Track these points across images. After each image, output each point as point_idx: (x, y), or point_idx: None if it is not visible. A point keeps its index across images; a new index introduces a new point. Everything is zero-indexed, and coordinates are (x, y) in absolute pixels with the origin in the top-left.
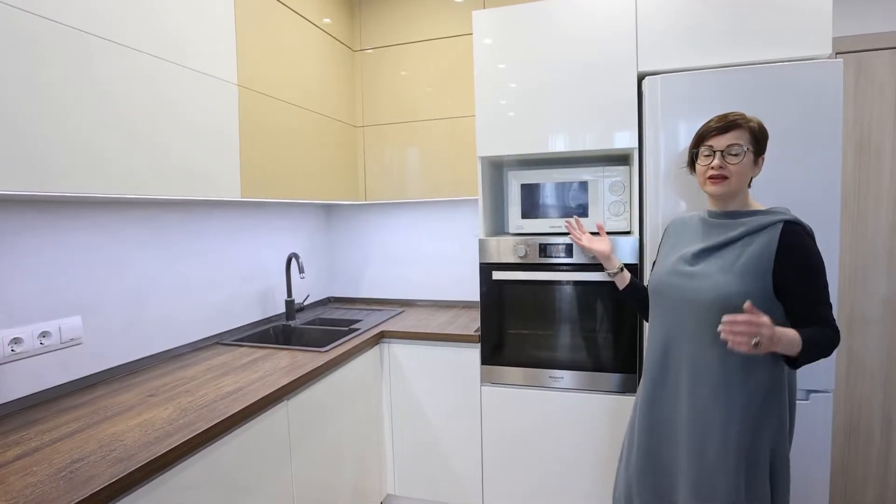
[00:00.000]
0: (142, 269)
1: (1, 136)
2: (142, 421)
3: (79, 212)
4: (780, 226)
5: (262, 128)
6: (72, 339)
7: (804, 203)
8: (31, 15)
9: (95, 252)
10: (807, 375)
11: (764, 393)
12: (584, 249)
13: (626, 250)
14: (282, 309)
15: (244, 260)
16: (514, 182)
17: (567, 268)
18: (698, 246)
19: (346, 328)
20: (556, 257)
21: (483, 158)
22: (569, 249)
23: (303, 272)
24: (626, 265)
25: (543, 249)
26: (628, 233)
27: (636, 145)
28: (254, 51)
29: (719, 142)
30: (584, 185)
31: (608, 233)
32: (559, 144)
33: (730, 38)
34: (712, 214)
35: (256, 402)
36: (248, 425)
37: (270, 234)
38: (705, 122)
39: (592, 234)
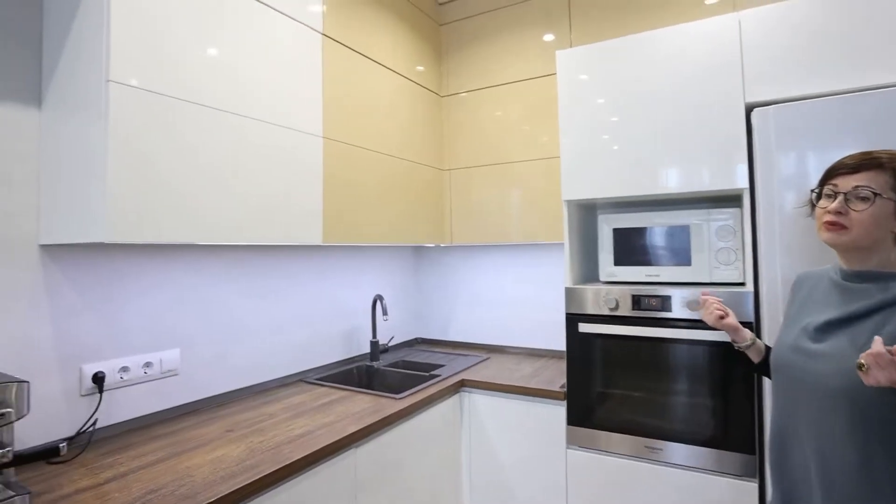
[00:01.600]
0: (234, 308)
1: (151, 196)
2: (215, 457)
3: (181, 255)
4: None
5: (345, 176)
6: (170, 370)
7: None
8: (168, 98)
9: (193, 291)
10: None
11: None
12: (717, 326)
13: (740, 305)
14: (366, 349)
15: (331, 299)
16: (606, 226)
17: (665, 323)
18: (825, 316)
19: (427, 373)
20: (651, 310)
21: (570, 202)
22: (666, 302)
23: (386, 314)
24: (742, 324)
25: (637, 301)
26: (741, 284)
27: (747, 185)
28: (339, 104)
29: (845, 182)
30: (685, 230)
31: (715, 283)
32: (656, 186)
33: (848, 60)
34: (844, 275)
35: (321, 448)
36: (312, 471)
37: (358, 275)
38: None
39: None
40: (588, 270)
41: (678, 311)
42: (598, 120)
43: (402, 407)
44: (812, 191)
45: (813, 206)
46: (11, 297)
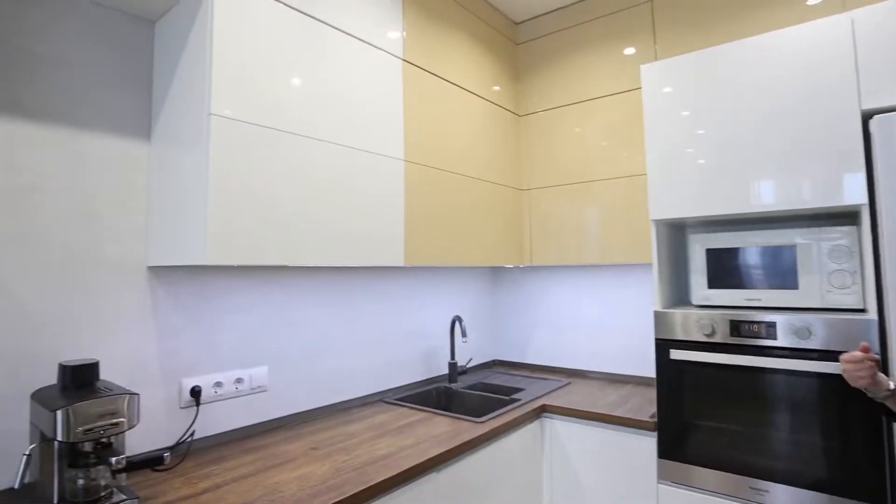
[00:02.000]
0: (319, 327)
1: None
2: (301, 474)
3: (272, 276)
4: None
5: (426, 198)
6: (259, 387)
7: None
8: (260, 127)
9: (282, 311)
10: None
11: None
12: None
13: (861, 334)
14: (445, 370)
15: (410, 320)
16: (698, 246)
17: (769, 352)
18: None
19: (507, 397)
20: (753, 337)
21: (658, 221)
22: (771, 329)
23: (465, 336)
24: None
25: (736, 327)
26: (860, 311)
27: (865, 200)
28: (418, 127)
29: None
30: (791, 250)
31: (828, 309)
32: (755, 203)
33: None
34: None
35: (404, 471)
36: (395, 493)
37: (437, 296)
38: None
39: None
40: (677, 293)
41: (784, 338)
42: (688, 134)
43: (482, 431)
44: None
45: None
46: (125, 315)
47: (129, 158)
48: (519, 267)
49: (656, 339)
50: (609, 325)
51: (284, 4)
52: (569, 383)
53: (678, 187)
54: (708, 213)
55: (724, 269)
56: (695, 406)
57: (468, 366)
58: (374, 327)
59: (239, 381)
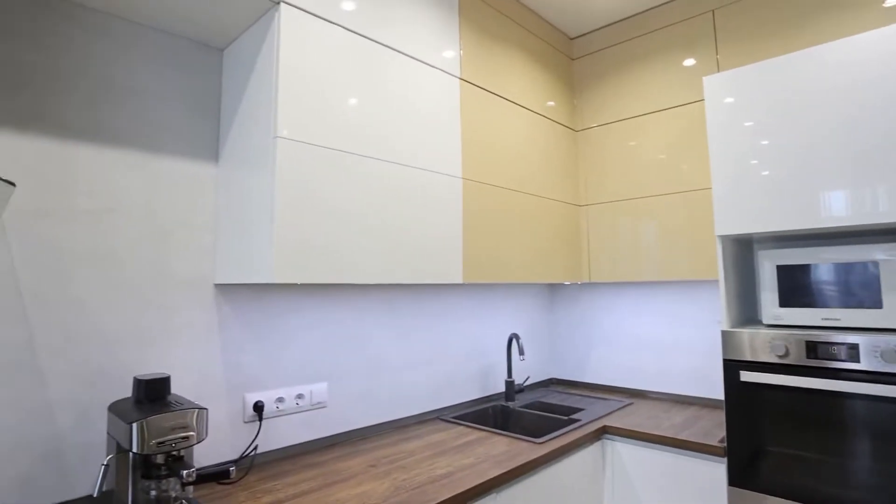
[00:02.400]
0: (378, 344)
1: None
2: (361, 492)
3: (332, 294)
4: None
5: (484, 215)
6: (319, 403)
7: None
8: (324, 149)
9: (342, 328)
10: None
11: None
12: None
13: None
14: (501, 388)
15: (467, 338)
16: (768, 263)
17: (851, 375)
18: None
19: (566, 417)
20: (832, 360)
21: (724, 237)
22: (853, 351)
23: (522, 354)
24: None
25: (813, 349)
26: None
27: None
28: (476, 144)
29: None
30: (873, 266)
31: None
32: (831, 216)
33: None
34: None
35: (464, 492)
36: None
37: (493, 313)
38: None
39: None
40: (744, 311)
41: (868, 361)
42: (755, 146)
43: (542, 453)
44: None
45: None
46: (192, 330)
47: (199, 180)
48: (576, 284)
49: (725, 360)
50: (671, 344)
51: (346, 29)
52: (630, 404)
53: (745, 201)
54: (778, 228)
55: (797, 287)
56: (767, 431)
57: (525, 384)
58: (430, 344)
59: (300, 396)
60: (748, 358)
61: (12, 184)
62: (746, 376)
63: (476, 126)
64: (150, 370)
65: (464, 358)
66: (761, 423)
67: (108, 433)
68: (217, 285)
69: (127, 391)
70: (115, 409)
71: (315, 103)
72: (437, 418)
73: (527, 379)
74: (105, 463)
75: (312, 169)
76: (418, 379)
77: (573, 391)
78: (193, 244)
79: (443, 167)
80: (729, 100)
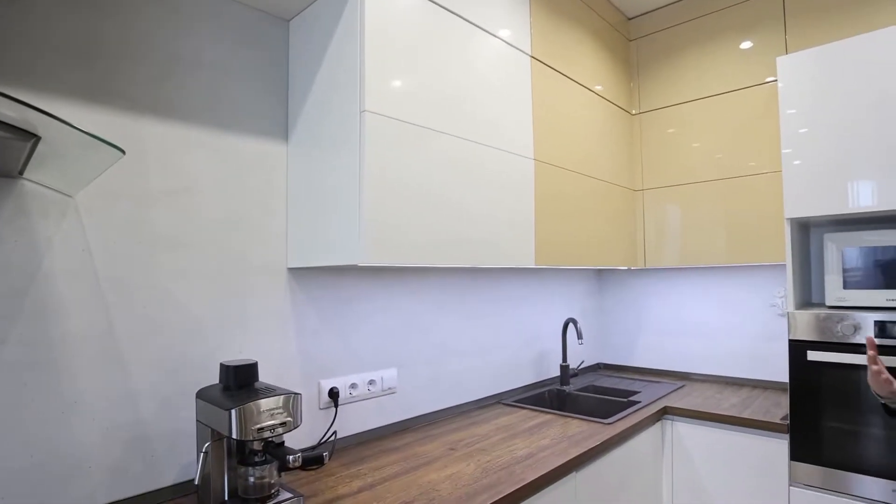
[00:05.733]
0: (444, 330)
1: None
2: (450, 473)
3: (401, 279)
4: None
5: (553, 197)
6: (389, 388)
7: None
8: (410, 125)
9: (410, 313)
10: None
11: None
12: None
13: None
14: (554, 373)
15: (524, 323)
16: (832, 246)
17: None
18: None
19: (625, 399)
20: None
21: (791, 220)
22: None
23: (581, 338)
24: None
25: (882, 328)
26: None
27: None
28: (546, 125)
29: None
30: None
31: None
32: None
33: None
34: None
35: (551, 471)
36: (542, 493)
37: (548, 299)
38: None
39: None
40: (803, 294)
41: None
42: (828, 129)
43: (614, 433)
44: None
45: None
46: (269, 316)
47: (269, 159)
48: (626, 269)
49: (791, 341)
50: (719, 328)
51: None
52: (682, 386)
53: (813, 186)
54: (851, 210)
55: (862, 269)
56: (830, 408)
57: (579, 369)
58: (490, 330)
59: (371, 382)
60: (815, 338)
61: (122, 151)
62: (814, 356)
63: (546, 106)
64: (230, 357)
65: (521, 342)
66: (826, 401)
67: (198, 420)
68: (290, 269)
69: (207, 378)
70: (206, 395)
71: (400, 77)
72: (499, 402)
73: (581, 363)
74: (205, 450)
75: (397, 145)
76: (480, 364)
77: (623, 375)
78: (267, 227)
79: (516, 147)
80: (805, 81)
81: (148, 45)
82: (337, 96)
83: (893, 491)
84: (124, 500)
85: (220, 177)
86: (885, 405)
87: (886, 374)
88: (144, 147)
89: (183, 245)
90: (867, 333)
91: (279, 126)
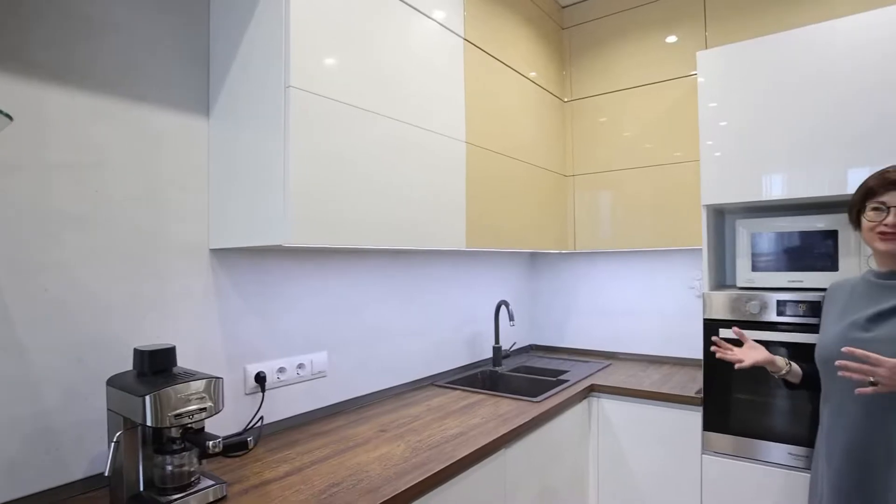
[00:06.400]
0: (375, 312)
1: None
2: (380, 455)
3: (330, 260)
4: None
5: (484, 180)
6: (319, 372)
7: None
8: (335, 102)
9: (340, 296)
10: None
11: None
12: (745, 368)
13: None
14: (487, 354)
15: (458, 305)
16: (743, 231)
17: (812, 330)
18: (871, 310)
19: (554, 378)
20: (797, 316)
21: (707, 207)
22: (815, 307)
23: (513, 320)
24: None
25: (782, 307)
26: None
27: None
28: (478, 108)
29: (893, 198)
30: (832, 235)
31: None
32: (808, 189)
33: None
34: (880, 275)
35: (480, 448)
36: (471, 470)
37: (481, 282)
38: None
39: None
40: (717, 277)
41: None
42: (744, 122)
43: (542, 410)
44: (857, 205)
45: (856, 220)
46: (189, 298)
47: (188, 134)
48: (557, 253)
49: (705, 320)
50: (643, 309)
51: None
52: (609, 365)
53: (726, 175)
54: (762, 198)
55: (768, 253)
56: (739, 381)
57: (511, 350)
58: (424, 312)
59: (301, 366)
60: (726, 317)
61: (9, 117)
62: (726, 333)
63: (479, 90)
64: (144, 342)
65: (455, 325)
66: (735, 375)
67: (108, 409)
68: (213, 250)
69: (121, 366)
70: (117, 382)
71: (326, 53)
72: (432, 384)
73: (513, 345)
74: (116, 440)
75: (325, 125)
76: (413, 346)
77: (553, 356)
78: (185, 205)
79: (448, 130)
80: (723, 76)
81: (51, 3)
82: (261, 70)
83: (789, 454)
84: (24, 497)
85: (133, 151)
86: (783, 380)
87: (737, 356)
88: (46, 116)
89: (91, 223)
90: (770, 313)
91: (199, 98)
